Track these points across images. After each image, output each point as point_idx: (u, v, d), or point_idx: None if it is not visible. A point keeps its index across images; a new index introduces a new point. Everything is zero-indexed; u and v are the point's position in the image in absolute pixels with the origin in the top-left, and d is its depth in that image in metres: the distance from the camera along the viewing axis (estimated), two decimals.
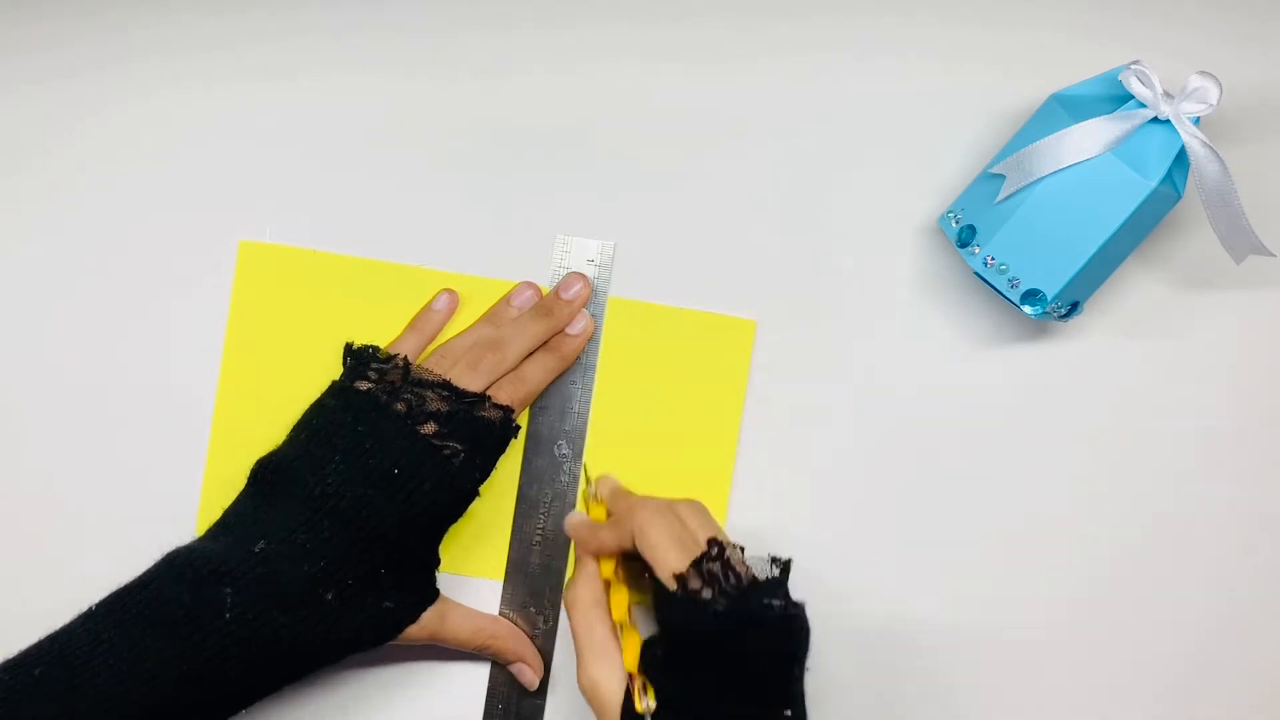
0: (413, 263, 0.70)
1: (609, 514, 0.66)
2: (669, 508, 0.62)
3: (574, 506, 0.70)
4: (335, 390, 0.66)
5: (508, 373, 0.67)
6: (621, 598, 0.63)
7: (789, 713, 0.58)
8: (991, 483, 0.70)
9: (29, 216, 0.70)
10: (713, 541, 0.60)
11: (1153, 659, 0.71)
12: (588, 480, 0.69)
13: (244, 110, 0.70)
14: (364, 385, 0.65)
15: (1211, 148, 0.63)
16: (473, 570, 0.70)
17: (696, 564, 0.59)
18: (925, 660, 0.70)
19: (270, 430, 0.67)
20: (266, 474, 0.64)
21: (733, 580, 0.58)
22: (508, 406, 0.66)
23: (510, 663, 0.69)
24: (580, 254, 0.70)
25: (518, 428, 0.67)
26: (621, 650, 0.61)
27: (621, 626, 0.62)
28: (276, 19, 0.70)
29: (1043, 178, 0.64)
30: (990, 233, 0.65)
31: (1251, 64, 0.70)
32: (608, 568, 0.64)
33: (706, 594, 0.58)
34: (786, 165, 0.70)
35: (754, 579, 0.59)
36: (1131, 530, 0.71)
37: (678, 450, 0.70)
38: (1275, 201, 0.70)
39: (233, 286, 0.70)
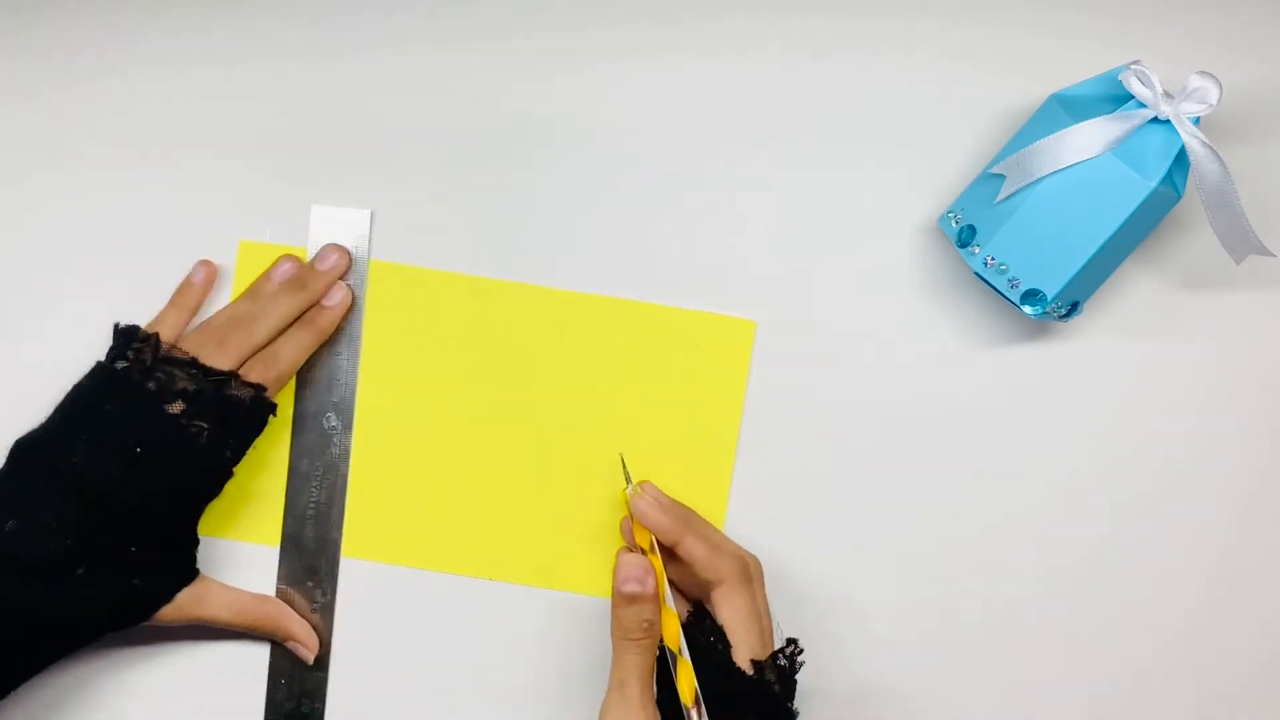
0: (412, 263, 0.70)
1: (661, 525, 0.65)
2: (748, 578, 0.64)
3: (346, 479, 0.69)
4: (94, 370, 0.66)
5: (259, 349, 0.66)
6: (673, 623, 0.62)
7: None
8: (991, 482, 0.70)
9: (29, 216, 0.70)
10: (791, 641, 0.63)
11: (1152, 656, 0.71)
12: (628, 481, 0.66)
13: (244, 110, 0.70)
14: (121, 364, 0.65)
15: (1211, 148, 0.63)
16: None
17: (774, 656, 0.62)
18: (925, 657, 0.70)
19: (270, 428, 0.67)
20: (21, 453, 0.64)
21: (790, 674, 0.63)
22: (259, 384, 0.65)
23: (283, 640, 0.68)
24: (348, 227, 0.69)
25: (273, 405, 0.66)
26: (677, 683, 0.61)
27: (676, 656, 0.62)
28: (277, 19, 0.70)
29: (1043, 178, 0.64)
30: (990, 233, 0.65)
31: (1251, 64, 0.70)
32: (661, 582, 0.62)
33: (778, 689, 0.62)
34: (786, 165, 0.70)
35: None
36: (1131, 530, 0.71)
37: (677, 451, 0.70)
38: (1275, 201, 0.70)
39: (233, 287, 0.70)
